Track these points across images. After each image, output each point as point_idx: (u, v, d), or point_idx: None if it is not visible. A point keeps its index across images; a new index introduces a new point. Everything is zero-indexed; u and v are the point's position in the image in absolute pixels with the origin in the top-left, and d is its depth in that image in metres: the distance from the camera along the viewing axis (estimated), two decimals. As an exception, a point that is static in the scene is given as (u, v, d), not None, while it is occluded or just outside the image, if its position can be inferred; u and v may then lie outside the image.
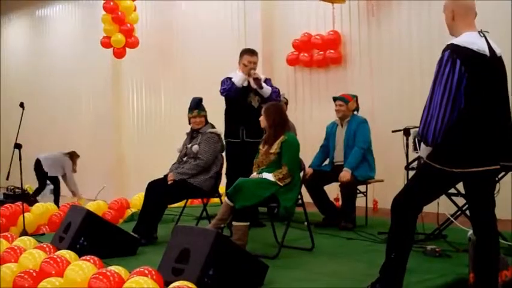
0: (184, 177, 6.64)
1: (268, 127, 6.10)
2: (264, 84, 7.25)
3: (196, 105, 7.00)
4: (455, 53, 3.87)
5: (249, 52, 7.38)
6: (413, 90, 8.32)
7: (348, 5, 9.30)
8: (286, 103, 8.12)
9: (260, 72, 7.55)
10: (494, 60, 4.01)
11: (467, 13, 4.07)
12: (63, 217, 6.78)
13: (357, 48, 9.37)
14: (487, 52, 3.96)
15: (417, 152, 5.93)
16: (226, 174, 7.25)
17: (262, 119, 6.13)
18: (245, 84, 7.24)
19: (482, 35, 4.03)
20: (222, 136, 7.08)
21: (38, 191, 11.51)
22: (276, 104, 6.52)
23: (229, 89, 7.17)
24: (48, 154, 11.55)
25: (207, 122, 7.03)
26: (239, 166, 6.99)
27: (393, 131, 6.63)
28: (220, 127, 7.25)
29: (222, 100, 7.46)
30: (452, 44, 3.95)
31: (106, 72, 13.22)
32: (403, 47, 8.75)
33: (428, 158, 4.01)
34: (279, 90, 7.52)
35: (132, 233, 6.26)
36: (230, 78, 7.27)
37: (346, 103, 7.37)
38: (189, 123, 7.07)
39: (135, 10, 11.68)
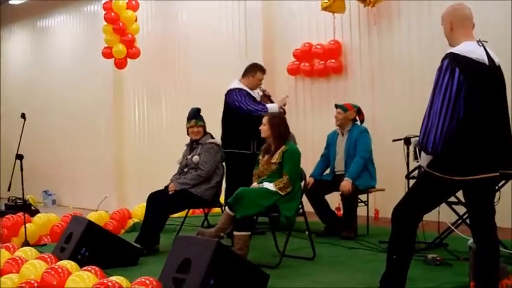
0: (186, 187, 6.65)
1: (272, 137, 6.11)
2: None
3: (194, 115, 7.01)
4: (454, 62, 3.89)
5: (264, 71, 7.55)
6: (414, 99, 8.32)
7: (349, 15, 9.31)
8: (284, 112, 8.12)
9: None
10: (493, 69, 4.03)
11: (465, 23, 4.10)
12: (64, 227, 6.79)
13: (358, 58, 9.38)
14: (486, 61, 3.98)
15: (418, 161, 5.94)
16: (228, 184, 7.23)
17: (265, 128, 6.13)
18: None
19: (481, 44, 4.05)
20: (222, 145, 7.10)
21: None
22: (280, 114, 6.54)
23: (262, 111, 7.05)
24: None
25: (205, 133, 7.04)
26: (247, 177, 7.02)
27: (394, 140, 6.64)
28: (219, 137, 7.28)
29: (222, 110, 7.49)
30: (451, 53, 3.97)
31: (107, 82, 13.22)
32: (404, 56, 8.76)
33: (429, 166, 4.02)
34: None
35: (133, 243, 6.26)
36: (244, 93, 7.28)
37: (345, 111, 7.40)
38: (188, 134, 7.09)
39: (136, 21, 11.70)
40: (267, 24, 10.52)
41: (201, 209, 7.43)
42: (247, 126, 7.12)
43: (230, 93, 7.36)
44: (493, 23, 7.35)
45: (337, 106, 7.51)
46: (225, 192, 7.20)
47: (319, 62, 9.66)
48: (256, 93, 7.50)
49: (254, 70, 7.47)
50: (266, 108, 7.15)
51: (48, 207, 14.08)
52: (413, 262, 4.32)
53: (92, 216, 7.81)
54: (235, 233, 5.74)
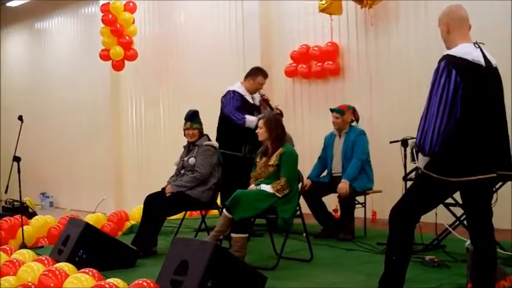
0: (182, 190, 6.64)
1: (269, 140, 6.10)
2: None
3: (190, 118, 7.00)
4: (450, 63, 3.90)
5: (266, 75, 7.65)
6: (411, 101, 8.32)
7: (346, 16, 9.31)
8: (281, 115, 8.10)
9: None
10: (489, 70, 4.04)
11: (461, 25, 4.10)
12: (62, 230, 6.78)
13: (355, 59, 9.38)
14: (482, 62, 3.98)
15: (415, 163, 5.92)
16: (223, 186, 7.23)
17: (262, 131, 6.12)
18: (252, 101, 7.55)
19: (477, 46, 4.05)
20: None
21: None
22: (276, 116, 6.53)
23: (241, 125, 7.33)
24: None
25: (202, 135, 7.02)
26: (237, 180, 7.03)
27: (391, 142, 6.64)
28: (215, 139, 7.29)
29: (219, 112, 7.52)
30: (447, 55, 3.98)
31: (105, 84, 13.21)
32: (401, 57, 8.76)
33: (426, 167, 4.02)
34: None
35: (131, 246, 6.25)
36: (237, 97, 7.39)
37: (342, 115, 7.38)
38: (184, 135, 7.08)
39: (133, 22, 11.70)
40: (264, 26, 10.51)
41: (198, 211, 7.42)
42: (239, 128, 7.16)
43: (225, 94, 7.46)
44: (492, 24, 7.35)
45: (332, 110, 7.50)
46: (220, 194, 7.20)
47: (317, 64, 9.66)
48: (256, 97, 7.52)
49: (256, 73, 7.53)
50: (243, 120, 7.30)
51: (46, 210, 14.07)
52: (411, 264, 4.32)
53: (89, 219, 7.81)
54: (232, 235, 5.73)
